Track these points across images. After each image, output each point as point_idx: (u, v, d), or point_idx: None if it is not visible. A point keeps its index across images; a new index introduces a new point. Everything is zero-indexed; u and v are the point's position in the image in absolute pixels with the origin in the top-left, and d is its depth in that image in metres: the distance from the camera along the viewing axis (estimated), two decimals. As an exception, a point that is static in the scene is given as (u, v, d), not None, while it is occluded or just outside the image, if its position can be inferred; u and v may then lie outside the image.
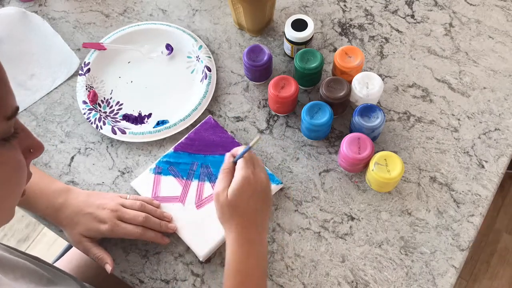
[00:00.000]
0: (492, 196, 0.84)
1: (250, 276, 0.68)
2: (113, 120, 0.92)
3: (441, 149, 0.87)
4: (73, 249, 1.02)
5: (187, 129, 0.90)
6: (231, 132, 0.90)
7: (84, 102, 0.93)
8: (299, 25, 0.91)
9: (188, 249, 0.82)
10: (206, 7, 1.05)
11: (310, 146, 0.89)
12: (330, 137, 0.89)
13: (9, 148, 0.45)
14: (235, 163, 0.73)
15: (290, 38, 0.92)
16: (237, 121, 0.92)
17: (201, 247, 0.80)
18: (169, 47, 0.98)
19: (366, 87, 0.85)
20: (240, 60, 0.98)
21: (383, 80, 0.94)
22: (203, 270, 0.80)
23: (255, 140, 0.71)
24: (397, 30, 0.99)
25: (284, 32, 0.94)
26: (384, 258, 0.80)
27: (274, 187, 0.83)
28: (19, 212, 1.63)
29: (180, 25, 1.02)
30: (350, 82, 0.87)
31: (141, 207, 0.80)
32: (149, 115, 0.93)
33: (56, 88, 0.97)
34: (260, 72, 0.91)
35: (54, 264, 0.99)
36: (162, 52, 0.98)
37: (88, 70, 0.96)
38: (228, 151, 0.86)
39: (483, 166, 0.86)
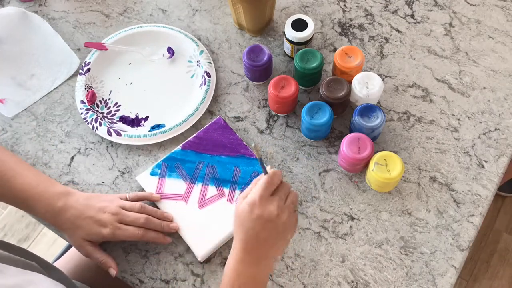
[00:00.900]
0: (492, 196, 0.84)
1: None
2: (110, 121, 0.92)
3: (441, 149, 0.87)
4: (73, 248, 1.02)
5: (183, 134, 0.90)
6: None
7: (82, 102, 0.93)
8: (299, 25, 0.91)
9: (188, 249, 0.82)
10: (206, 7, 1.05)
11: (310, 146, 0.89)
12: (330, 137, 0.89)
13: None
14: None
15: (290, 38, 0.92)
16: (237, 121, 0.92)
17: (201, 247, 0.80)
18: (170, 51, 0.98)
19: (366, 87, 0.85)
20: (240, 60, 0.98)
21: (383, 80, 0.94)
22: (203, 270, 0.80)
23: (255, 151, 0.68)
24: (397, 30, 0.99)
25: (284, 32, 0.94)
26: (384, 258, 0.80)
27: None
28: (19, 212, 1.62)
29: (180, 25, 1.02)
30: (350, 82, 0.87)
31: (141, 209, 0.80)
32: (146, 118, 0.92)
33: (56, 88, 0.97)
34: (260, 72, 0.91)
35: (55, 264, 0.99)
36: (163, 55, 0.98)
37: (89, 69, 0.96)
38: (236, 153, 0.86)
39: (483, 166, 0.86)
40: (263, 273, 0.69)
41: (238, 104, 0.93)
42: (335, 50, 0.98)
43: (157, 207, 0.84)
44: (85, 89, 0.94)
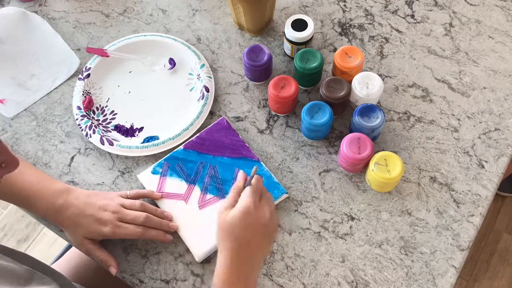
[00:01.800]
0: (492, 196, 0.84)
1: None
2: (105, 129, 0.91)
3: (441, 149, 0.87)
4: (73, 248, 1.02)
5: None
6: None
7: (78, 108, 0.92)
8: (299, 25, 0.91)
9: (188, 249, 0.81)
10: (206, 7, 1.05)
11: (310, 146, 0.89)
12: (330, 137, 0.89)
13: None
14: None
15: (290, 38, 0.92)
16: (237, 121, 0.92)
17: (199, 248, 0.80)
18: (172, 62, 0.97)
19: (366, 87, 0.85)
20: (240, 60, 0.98)
21: (383, 80, 0.94)
22: (203, 270, 0.80)
23: (253, 171, 0.71)
24: (397, 30, 0.99)
25: (284, 32, 0.94)
26: (384, 258, 0.80)
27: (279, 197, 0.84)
28: (19, 212, 1.62)
29: (180, 25, 1.02)
30: (350, 82, 0.87)
31: (141, 207, 0.80)
32: (141, 129, 0.92)
33: (56, 88, 0.97)
34: (260, 72, 0.91)
35: (55, 264, 0.99)
36: (164, 66, 0.97)
37: (88, 75, 0.95)
38: (238, 154, 0.86)
39: (483, 166, 0.86)
40: (255, 278, 0.70)
41: (238, 104, 0.93)
42: (335, 50, 0.98)
43: (157, 206, 0.84)
44: (83, 94, 0.93)
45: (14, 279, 0.59)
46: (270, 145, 0.89)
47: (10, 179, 0.78)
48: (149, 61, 0.98)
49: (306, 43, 0.92)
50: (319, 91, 0.88)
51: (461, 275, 1.60)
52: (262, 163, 0.86)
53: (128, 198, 0.82)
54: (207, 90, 0.92)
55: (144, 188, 0.86)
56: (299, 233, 0.82)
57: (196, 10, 1.04)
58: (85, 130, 0.90)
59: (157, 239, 0.80)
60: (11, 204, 1.40)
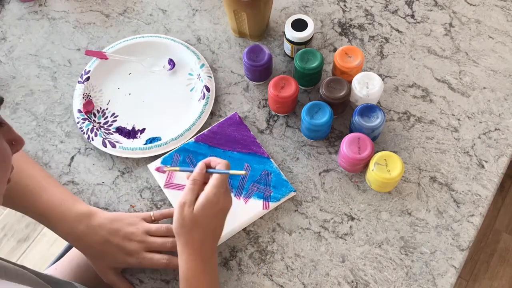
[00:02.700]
0: (492, 196, 0.84)
1: None
2: (106, 131, 0.91)
3: (441, 149, 0.87)
4: (73, 249, 1.02)
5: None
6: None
7: (79, 111, 0.92)
8: (299, 25, 0.91)
9: (188, 249, 0.81)
10: (206, 7, 1.05)
11: (310, 146, 0.89)
12: (330, 137, 0.89)
13: None
14: (207, 173, 0.73)
15: (290, 38, 0.92)
16: (237, 121, 0.92)
17: None
18: (171, 62, 0.97)
19: (366, 87, 0.85)
20: (240, 60, 0.98)
21: (383, 80, 0.94)
22: (203, 270, 0.80)
23: (239, 172, 0.72)
24: (397, 30, 0.99)
25: (284, 32, 0.94)
26: (384, 258, 0.80)
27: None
28: (19, 212, 1.61)
29: (180, 25, 1.02)
30: (350, 82, 0.87)
31: (167, 232, 0.78)
32: (143, 130, 0.91)
33: (56, 88, 0.97)
34: (260, 72, 0.91)
35: (56, 263, 0.99)
36: (164, 67, 0.97)
37: (88, 78, 0.95)
38: (248, 150, 0.86)
39: (483, 166, 0.86)
40: (215, 255, 0.73)
41: (238, 104, 0.93)
42: (335, 50, 0.98)
43: (166, 198, 0.84)
44: (83, 98, 0.93)
45: (38, 285, 0.61)
46: (270, 145, 0.89)
47: (35, 196, 0.77)
48: (149, 63, 0.98)
49: (306, 43, 0.92)
50: (319, 91, 0.88)
51: (461, 275, 1.60)
52: (271, 160, 0.86)
53: (152, 219, 0.80)
54: (208, 89, 0.92)
55: (149, 182, 0.85)
56: (299, 233, 0.82)
57: (196, 10, 1.04)
58: (87, 133, 0.90)
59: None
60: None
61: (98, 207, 0.85)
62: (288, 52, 0.96)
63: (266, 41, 1.00)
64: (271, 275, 0.79)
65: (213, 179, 0.71)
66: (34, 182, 0.78)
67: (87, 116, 0.92)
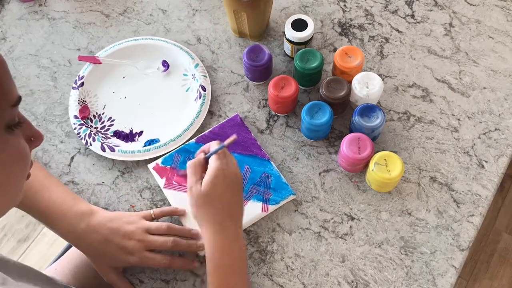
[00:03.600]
0: (492, 196, 0.84)
1: (235, 269, 0.69)
2: (104, 136, 0.91)
3: (441, 149, 0.87)
4: (73, 248, 1.02)
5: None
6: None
7: (76, 117, 0.91)
8: (299, 25, 0.91)
9: (188, 249, 0.82)
10: (206, 7, 1.05)
11: (310, 146, 0.89)
12: (330, 137, 0.89)
13: (15, 135, 0.50)
14: (206, 159, 0.73)
15: (290, 38, 0.92)
16: (237, 121, 0.92)
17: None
18: (165, 64, 0.97)
19: (366, 87, 0.85)
20: (240, 60, 0.98)
21: (383, 80, 0.94)
22: (203, 270, 0.80)
23: (230, 139, 0.72)
24: (397, 30, 0.99)
25: (284, 32, 0.94)
26: (384, 258, 0.80)
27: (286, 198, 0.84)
28: (19, 212, 1.62)
29: (180, 25, 1.02)
30: (350, 82, 0.87)
31: (168, 230, 0.78)
32: (140, 133, 0.91)
33: (56, 88, 0.97)
34: (260, 72, 0.91)
35: (56, 263, 0.99)
36: (158, 69, 0.97)
37: (82, 84, 0.94)
38: (248, 152, 0.87)
39: (483, 166, 0.86)
40: (241, 229, 0.72)
41: (238, 104, 0.93)
42: (335, 50, 0.98)
43: (165, 199, 0.84)
44: (79, 103, 0.92)
45: (37, 279, 0.61)
46: (270, 145, 0.89)
47: (36, 194, 0.77)
48: (142, 65, 0.97)
49: (306, 43, 0.92)
50: (319, 91, 0.88)
51: (461, 275, 1.60)
52: (272, 162, 0.86)
53: (152, 217, 0.80)
54: (204, 89, 0.92)
55: (148, 181, 0.86)
56: (299, 233, 0.82)
57: (196, 10, 1.04)
58: (84, 139, 0.89)
59: (183, 267, 0.79)
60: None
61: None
62: (288, 52, 0.96)
63: (266, 41, 1.00)
64: (271, 275, 0.79)
65: (212, 158, 0.72)
66: (35, 181, 0.78)
67: (83, 121, 0.91)
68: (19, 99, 0.50)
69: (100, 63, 0.96)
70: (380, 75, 0.94)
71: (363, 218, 0.83)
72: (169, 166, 0.86)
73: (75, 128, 0.90)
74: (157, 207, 0.85)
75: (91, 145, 0.89)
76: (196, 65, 0.95)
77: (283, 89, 0.86)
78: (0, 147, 0.49)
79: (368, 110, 0.83)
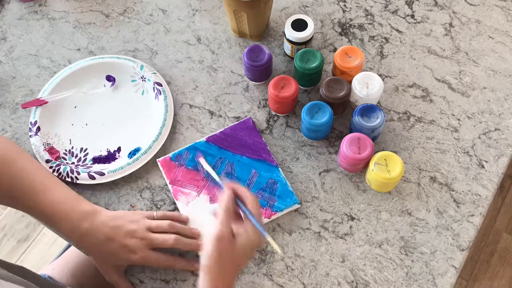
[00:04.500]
0: (492, 196, 0.84)
1: None
2: (85, 167, 0.88)
3: (441, 149, 0.87)
4: (72, 248, 1.02)
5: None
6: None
7: (48, 161, 0.88)
8: (299, 25, 0.91)
9: (188, 249, 0.81)
10: (206, 7, 1.05)
11: (310, 146, 0.89)
12: (330, 137, 0.89)
13: None
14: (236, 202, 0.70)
15: (290, 38, 0.92)
16: (237, 121, 0.92)
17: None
18: (110, 78, 0.95)
19: (366, 87, 0.85)
20: (240, 60, 0.98)
21: (383, 80, 0.94)
22: (203, 270, 0.80)
23: (275, 247, 0.66)
24: (397, 30, 1.00)
25: (284, 32, 0.94)
26: (384, 258, 0.80)
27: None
28: (19, 212, 1.62)
29: (180, 25, 1.02)
30: (350, 82, 0.87)
31: (169, 228, 0.77)
32: (119, 149, 0.89)
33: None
34: (260, 72, 0.91)
35: (54, 262, 0.99)
36: (104, 86, 0.95)
37: (38, 128, 0.90)
38: (257, 156, 0.87)
39: (483, 166, 0.86)
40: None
41: (238, 104, 0.93)
42: (335, 50, 0.98)
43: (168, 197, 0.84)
44: (44, 148, 0.89)
45: None
46: (270, 145, 0.89)
47: (38, 194, 0.76)
48: (88, 88, 0.95)
49: (306, 43, 0.92)
50: (319, 91, 0.88)
51: (461, 275, 1.60)
52: (279, 168, 0.86)
53: (154, 219, 0.80)
54: (159, 84, 0.92)
55: (150, 175, 0.86)
56: (299, 233, 0.82)
57: (196, 10, 1.05)
58: (68, 177, 0.86)
59: (185, 269, 0.79)
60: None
61: (98, 207, 0.85)
62: (288, 52, 0.96)
63: (266, 41, 1.00)
64: (271, 275, 0.80)
65: (252, 220, 0.68)
66: (37, 181, 0.78)
67: (58, 161, 0.88)
68: None
69: (46, 102, 0.93)
70: (380, 75, 0.94)
71: (363, 218, 0.83)
72: (177, 163, 0.87)
73: (53, 171, 0.86)
74: (157, 207, 0.85)
75: (77, 179, 0.86)
76: (141, 67, 0.94)
77: (283, 89, 0.86)
78: None
79: (368, 110, 0.83)
